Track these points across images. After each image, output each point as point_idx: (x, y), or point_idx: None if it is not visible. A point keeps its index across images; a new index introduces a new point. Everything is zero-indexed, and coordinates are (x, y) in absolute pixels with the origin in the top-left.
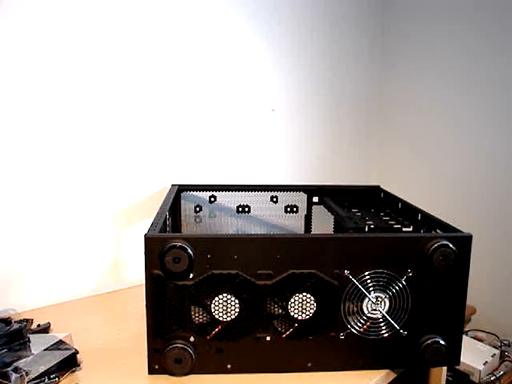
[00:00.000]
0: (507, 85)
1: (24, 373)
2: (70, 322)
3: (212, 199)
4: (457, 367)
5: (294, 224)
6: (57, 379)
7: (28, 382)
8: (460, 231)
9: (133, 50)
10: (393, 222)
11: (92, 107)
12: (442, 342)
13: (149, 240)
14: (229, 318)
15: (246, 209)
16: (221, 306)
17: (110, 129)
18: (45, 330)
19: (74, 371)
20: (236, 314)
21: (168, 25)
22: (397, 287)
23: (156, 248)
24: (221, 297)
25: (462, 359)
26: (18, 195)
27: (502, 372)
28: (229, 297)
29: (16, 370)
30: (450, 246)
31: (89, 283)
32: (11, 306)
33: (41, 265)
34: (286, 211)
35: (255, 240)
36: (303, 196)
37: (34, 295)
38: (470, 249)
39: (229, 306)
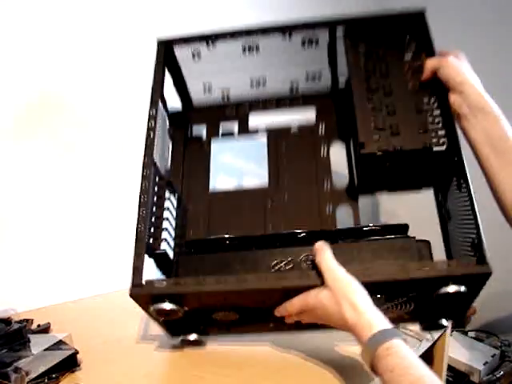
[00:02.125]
0: (508, 85)
1: (24, 373)
2: (70, 322)
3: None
4: (457, 367)
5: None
6: (57, 379)
7: (28, 382)
8: (482, 259)
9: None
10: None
11: (91, 107)
12: None
13: (134, 298)
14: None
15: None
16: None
17: (111, 129)
18: (45, 330)
19: (73, 371)
20: (237, 316)
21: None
22: None
23: (144, 303)
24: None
25: (461, 359)
26: (17, 195)
27: (501, 372)
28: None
29: (16, 370)
30: (462, 290)
31: (89, 283)
32: (11, 306)
33: (41, 265)
34: (302, 45)
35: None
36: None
37: (34, 295)
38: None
39: (230, 315)
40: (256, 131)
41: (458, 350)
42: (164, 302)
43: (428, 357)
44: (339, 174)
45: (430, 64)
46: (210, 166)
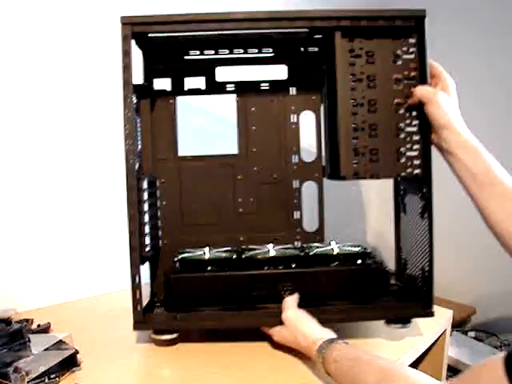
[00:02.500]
0: (508, 85)
1: (24, 373)
2: (70, 322)
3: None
4: (457, 367)
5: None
6: (57, 379)
7: (28, 382)
8: (428, 305)
9: None
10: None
11: (88, 105)
12: None
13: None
14: None
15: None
16: None
17: (114, 126)
18: (45, 330)
19: (73, 371)
20: None
21: None
22: None
23: None
24: None
25: (461, 359)
26: (18, 195)
27: None
28: None
29: (16, 369)
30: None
31: (89, 283)
32: (11, 306)
33: (41, 265)
34: None
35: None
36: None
37: (34, 295)
38: None
39: None
40: (224, 87)
41: (458, 349)
42: (163, 334)
43: (428, 357)
44: (308, 145)
45: (419, 94)
46: (176, 128)
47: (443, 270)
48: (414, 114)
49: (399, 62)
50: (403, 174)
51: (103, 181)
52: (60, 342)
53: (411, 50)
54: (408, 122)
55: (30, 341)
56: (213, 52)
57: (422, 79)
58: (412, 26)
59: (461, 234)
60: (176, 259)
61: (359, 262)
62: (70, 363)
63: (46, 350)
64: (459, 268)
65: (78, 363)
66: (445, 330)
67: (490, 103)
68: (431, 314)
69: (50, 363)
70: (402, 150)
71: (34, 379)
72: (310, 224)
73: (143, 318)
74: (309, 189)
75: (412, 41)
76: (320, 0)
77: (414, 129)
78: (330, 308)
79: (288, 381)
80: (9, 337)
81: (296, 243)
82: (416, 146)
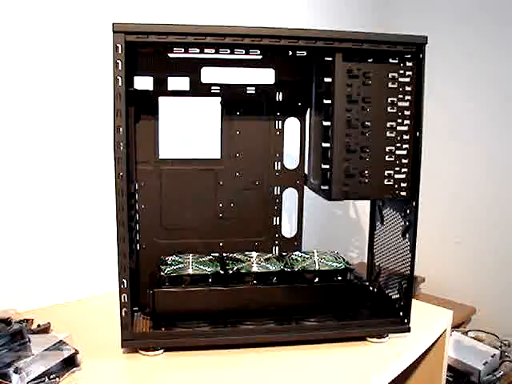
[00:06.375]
0: (508, 85)
1: (24, 373)
2: (70, 321)
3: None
4: (457, 367)
5: None
6: (57, 379)
7: (28, 382)
8: (405, 321)
9: None
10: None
11: (86, 104)
12: None
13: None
14: None
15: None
16: None
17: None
18: (45, 330)
19: (74, 371)
20: None
21: None
22: None
23: None
24: None
25: (462, 359)
26: (19, 195)
27: (502, 372)
28: None
29: (16, 370)
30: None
31: (89, 283)
32: (11, 306)
33: (41, 265)
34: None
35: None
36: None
37: (34, 295)
38: None
39: None
40: (209, 89)
41: (458, 349)
42: (148, 350)
43: (428, 357)
44: (291, 152)
45: None
46: (158, 129)
47: (443, 269)
48: (405, 137)
49: (395, 85)
50: (390, 196)
51: (104, 180)
52: (60, 342)
53: (408, 73)
54: (398, 145)
55: (30, 341)
56: (198, 50)
57: (417, 102)
58: (412, 51)
59: (461, 234)
60: (162, 273)
61: (340, 278)
62: (70, 363)
63: (46, 350)
64: (459, 268)
65: (78, 363)
66: (445, 330)
67: (489, 105)
68: (408, 330)
69: (50, 363)
70: (391, 172)
71: (34, 379)
72: (289, 229)
73: (132, 336)
74: (289, 194)
75: (409, 64)
76: (319, 20)
77: (404, 152)
78: (309, 325)
79: (288, 381)
80: (9, 337)
81: (274, 248)
82: (404, 169)
